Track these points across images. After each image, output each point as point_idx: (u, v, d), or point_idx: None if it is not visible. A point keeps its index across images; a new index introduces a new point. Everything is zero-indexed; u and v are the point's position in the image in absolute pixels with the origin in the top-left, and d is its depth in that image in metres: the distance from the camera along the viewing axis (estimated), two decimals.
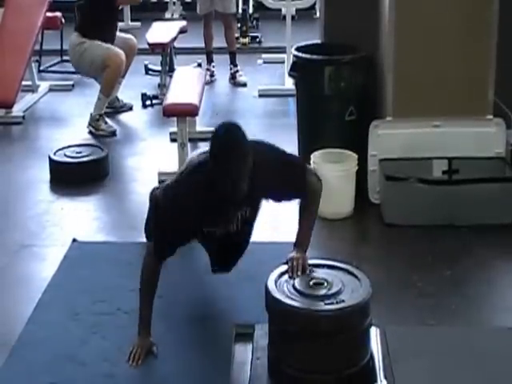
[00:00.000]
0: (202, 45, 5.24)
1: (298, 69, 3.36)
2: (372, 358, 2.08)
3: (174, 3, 6.65)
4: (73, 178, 3.59)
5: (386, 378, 2.02)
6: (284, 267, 2.14)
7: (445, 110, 3.16)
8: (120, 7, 4.78)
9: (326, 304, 1.99)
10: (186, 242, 2.24)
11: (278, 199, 2.29)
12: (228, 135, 2.06)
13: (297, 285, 2.07)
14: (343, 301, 2.00)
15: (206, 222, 2.20)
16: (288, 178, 2.19)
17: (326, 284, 2.07)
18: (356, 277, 2.10)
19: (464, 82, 3.15)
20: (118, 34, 4.53)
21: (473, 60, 3.15)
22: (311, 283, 2.08)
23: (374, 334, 2.15)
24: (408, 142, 3.16)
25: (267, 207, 3.10)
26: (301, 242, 2.25)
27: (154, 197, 2.74)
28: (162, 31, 5.04)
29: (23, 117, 4.48)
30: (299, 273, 2.10)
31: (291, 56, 3.58)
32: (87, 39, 4.27)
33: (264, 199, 2.28)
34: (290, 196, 2.29)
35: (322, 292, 2.04)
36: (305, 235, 2.28)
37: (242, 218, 2.25)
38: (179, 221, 2.12)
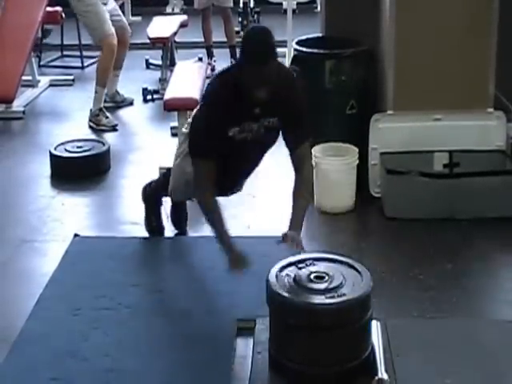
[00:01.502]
0: (203, 39, 5.23)
1: (298, 62, 3.35)
2: (373, 351, 2.08)
3: None
4: (74, 172, 3.59)
5: (386, 371, 2.02)
6: (284, 261, 2.14)
7: (445, 104, 3.15)
8: None
9: (327, 298, 1.99)
10: (219, 141, 2.29)
11: (287, 124, 2.37)
12: (260, 34, 2.20)
13: (298, 279, 2.07)
14: (344, 294, 2.00)
15: (233, 120, 2.30)
16: (301, 116, 2.36)
17: (326, 278, 2.06)
18: (357, 270, 2.10)
19: (464, 75, 3.14)
20: (120, 14, 4.50)
21: (473, 53, 3.14)
22: (312, 277, 2.08)
23: (375, 327, 2.15)
24: (409, 136, 3.15)
25: (266, 204, 3.09)
26: (292, 221, 2.32)
27: (163, 173, 2.86)
28: (162, 26, 5.03)
29: (23, 112, 4.47)
30: (297, 248, 2.14)
31: (292, 50, 3.57)
32: None
33: (280, 117, 2.35)
34: (296, 132, 2.37)
35: (323, 286, 2.03)
36: (296, 214, 2.34)
37: (265, 126, 2.34)
38: (213, 114, 2.25)
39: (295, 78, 2.44)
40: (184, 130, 2.67)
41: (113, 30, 4.24)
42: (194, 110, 2.56)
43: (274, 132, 2.41)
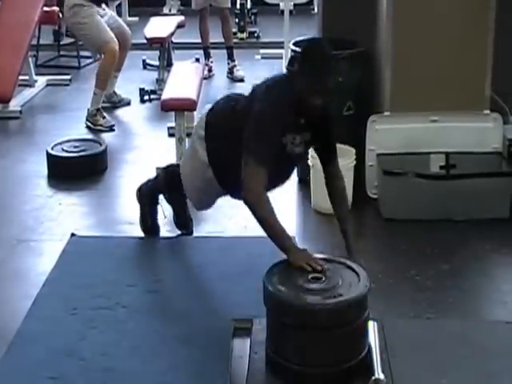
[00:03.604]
0: (200, 40, 5.23)
1: (295, 63, 3.35)
2: (370, 351, 2.08)
3: None
4: (70, 172, 3.59)
5: (383, 371, 2.02)
6: (281, 261, 2.14)
7: (442, 105, 3.16)
8: None
9: (324, 298, 2.00)
10: (276, 147, 2.26)
11: (322, 140, 2.41)
12: (325, 47, 2.28)
13: (295, 279, 2.07)
14: (341, 295, 2.00)
15: (285, 130, 2.29)
16: (333, 133, 2.43)
17: (324, 278, 2.07)
18: (354, 271, 2.10)
19: (461, 77, 3.16)
20: (117, 19, 4.51)
21: (470, 55, 3.15)
22: (309, 277, 2.08)
23: (372, 327, 2.16)
24: (406, 137, 3.16)
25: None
26: (351, 249, 2.34)
27: (160, 172, 2.81)
28: (159, 26, 5.04)
29: (20, 111, 4.47)
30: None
31: (289, 51, 3.57)
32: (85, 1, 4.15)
33: (316, 133, 2.38)
34: (330, 148, 2.43)
35: (320, 286, 2.04)
36: (350, 241, 2.36)
37: (305, 141, 2.36)
38: (277, 121, 2.23)
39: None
40: (200, 131, 2.58)
41: (112, 35, 4.24)
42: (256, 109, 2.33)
43: (309, 146, 2.45)
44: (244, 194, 2.22)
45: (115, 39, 4.24)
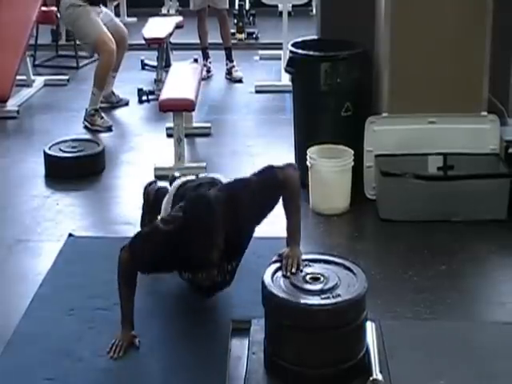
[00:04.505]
0: (198, 40, 5.23)
1: (294, 65, 3.36)
2: (368, 352, 2.08)
3: None
4: (68, 172, 3.58)
5: (381, 371, 2.03)
6: (279, 264, 2.14)
7: (440, 107, 3.17)
8: None
9: (322, 298, 2.00)
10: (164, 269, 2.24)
11: (265, 213, 2.25)
12: (196, 213, 2.07)
13: (293, 279, 2.07)
14: (339, 295, 2.01)
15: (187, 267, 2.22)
16: (265, 188, 2.21)
17: (322, 279, 2.07)
18: (352, 271, 2.11)
19: (459, 78, 3.16)
20: (113, 18, 4.50)
21: (468, 57, 3.16)
22: (307, 278, 2.08)
23: (370, 328, 2.16)
24: (403, 138, 3.17)
25: None
26: (293, 237, 2.26)
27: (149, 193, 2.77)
28: (158, 26, 5.04)
29: (18, 111, 4.46)
30: (293, 270, 2.10)
31: (288, 52, 3.57)
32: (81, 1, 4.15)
33: (256, 225, 2.26)
34: (275, 201, 2.27)
35: (318, 287, 2.04)
36: (295, 229, 2.29)
37: (227, 269, 2.27)
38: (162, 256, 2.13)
39: (245, 189, 2.21)
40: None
41: (109, 35, 4.23)
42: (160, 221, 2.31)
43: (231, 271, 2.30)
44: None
45: (112, 39, 4.23)
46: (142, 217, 2.90)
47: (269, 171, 2.28)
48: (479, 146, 3.17)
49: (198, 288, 2.35)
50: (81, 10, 4.19)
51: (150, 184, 2.91)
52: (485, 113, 3.19)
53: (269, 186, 2.24)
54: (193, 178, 2.57)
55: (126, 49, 4.54)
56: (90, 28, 4.19)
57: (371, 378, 1.99)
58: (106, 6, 4.47)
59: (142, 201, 2.90)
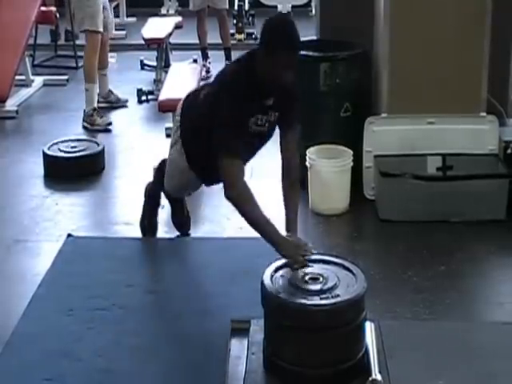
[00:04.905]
0: (198, 41, 5.23)
1: None
2: (367, 352, 2.08)
3: None
4: (67, 172, 3.58)
5: (380, 372, 2.02)
6: (279, 262, 2.14)
7: (439, 107, 3.17)
8: None
9: (321, 299, 2.00)
10: (242, 134, 2.27)
11: (284, 109, 2.36)
12: (290, 23, 2.23)
13: (292, 280, 2.07)
14: (338, 295, 2.01)
15: (251, 112, 2.29)
16: (297, 100, 2.40)
17: (321, 279, 2.07)
18: (351, 272, 2.11)
19: (458, 79, 3.16)
20: (109, 13, 4.48)
21: (467, 58, 3.16)
22: (307, 278, 2.08)
23: (369, 328, 2.16)
24: (403, 139, 3.17)
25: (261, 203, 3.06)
26: (293, 226, 2.30)
27: (157, 167, 2.83)
28: (157, 27, 5.04)
29: (17, 111, 4.46)
30: (312, 256, 2.11)
31: None
32: None
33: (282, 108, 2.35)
34: (290, 115, 2.39)
35: (318, 287, 2.04)
36: (295, 218, 2.32)
37: (270, 121, 2.35)
38: (238, 107, 2.21)
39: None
40: (177, 117, 2.61)
41: (101, 28, 4.22)
42: (203, 91, 2.48)
43: (275, 125, 2.43)
44: (225, 190, 2.24)
45: (102, 34, 4.22)
46: (142, 217, 2.90)
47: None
48: (478, 147, 3.17)
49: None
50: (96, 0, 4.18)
51: (150, 184, 2.91)
52: (484, 113, 3.19)
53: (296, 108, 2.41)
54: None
55: (107, 45, 4.49)
56: (93, 12, 4.15)
57: (370, 379, 1.99)
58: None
59: (142, 200, 2.90)
